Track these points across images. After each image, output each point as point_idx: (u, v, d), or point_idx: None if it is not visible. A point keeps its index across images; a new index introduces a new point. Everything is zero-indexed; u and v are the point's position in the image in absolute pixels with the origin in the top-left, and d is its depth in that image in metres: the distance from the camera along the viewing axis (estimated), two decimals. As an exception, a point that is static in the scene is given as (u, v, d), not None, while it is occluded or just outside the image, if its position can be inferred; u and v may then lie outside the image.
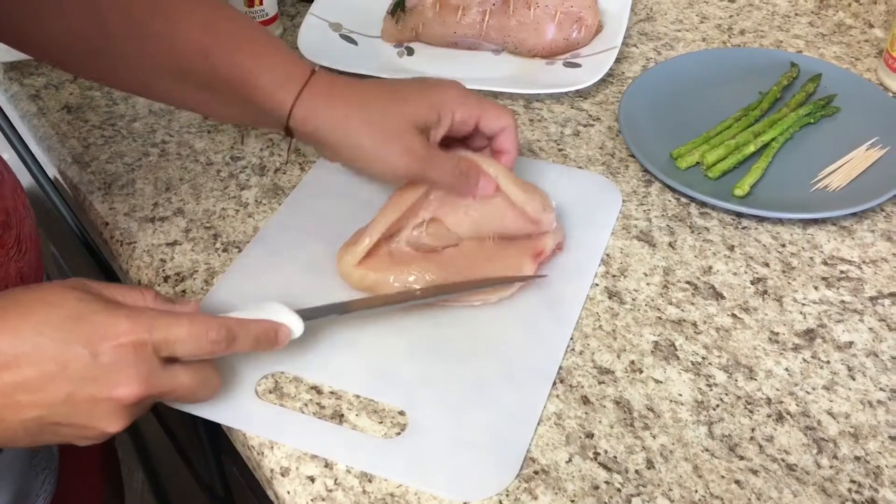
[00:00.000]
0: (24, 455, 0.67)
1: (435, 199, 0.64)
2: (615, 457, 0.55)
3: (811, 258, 0.69)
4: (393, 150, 0.60)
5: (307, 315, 0.58)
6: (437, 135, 0.63)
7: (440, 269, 0.63)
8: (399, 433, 0.56)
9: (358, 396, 0.58)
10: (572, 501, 0.53)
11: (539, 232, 0.65)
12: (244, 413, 0.57)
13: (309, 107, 0.59)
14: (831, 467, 0.55)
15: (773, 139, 0.77)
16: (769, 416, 0.57)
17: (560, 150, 0.79)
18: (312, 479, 0.54)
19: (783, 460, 0.55)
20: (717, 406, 0.58)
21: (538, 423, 0.56)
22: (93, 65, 0.63)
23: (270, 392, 0.58)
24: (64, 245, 1.04)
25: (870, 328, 0.63)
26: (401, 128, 0.60)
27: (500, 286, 0.63)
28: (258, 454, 0.56)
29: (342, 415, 0.57)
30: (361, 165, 0.62)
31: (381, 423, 0.56)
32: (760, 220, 0.72)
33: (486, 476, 0.53)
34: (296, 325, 0.57)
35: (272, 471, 0.55)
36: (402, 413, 0.57)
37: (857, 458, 0.55)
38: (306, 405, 0.58)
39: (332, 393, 0.58)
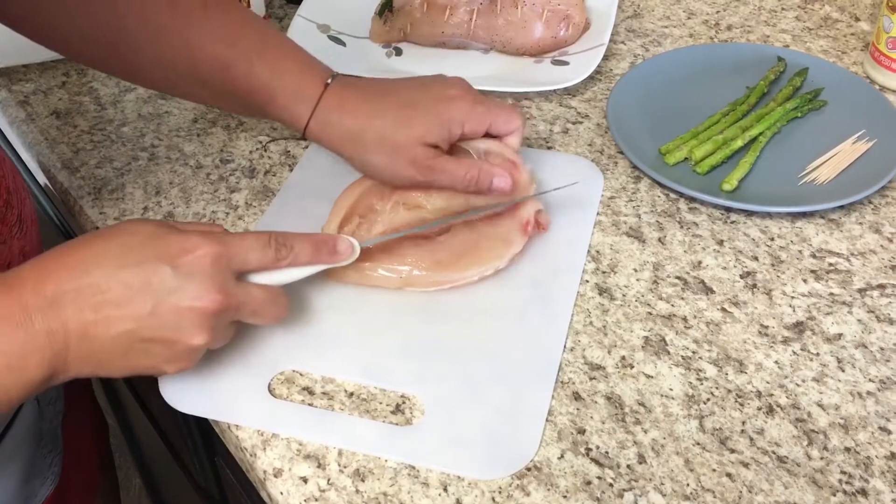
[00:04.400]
0: (32, 438, 0.70)
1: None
2: (607, 452, 0.55)
3: (800, 251, 0.69)
4: (399, 163, 0.63)
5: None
6: (446, 145, 0.65)
7: (433, 254, 0.65)
8: (408, 423, 0.56)
9: (365, 387, 0.58)
10: (565, 497, 0.53)
11: (519, 189, 0.67)
12: (248, 412, 0.58)
13: (323, 122, 0.63)
14: (822, 459, 0.55)
15: (760, 133, 0.77)
16: (760, 408, 0.58)
17: (549, 147, 0.79)
18: (305, 480, 0.54)
19: (774, 453, 0.55)
20: (708, 400, 0.58)
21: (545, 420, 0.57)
22: (114, 61, 0.66)
23: (272, 389, 0.59)
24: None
25: (859, 320, 0.63)
26: (409, 143, 0.63)
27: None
28: (251, 456, 0.56)
29: (361, 404, 0.57)
30: (371, 174, 0.66)
31: (393, 412, 0.57)
32: (749, 214, 0.72)
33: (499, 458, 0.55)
34: (353, 241, 0.61)
35: (265, 472, 0.55)
36: (407, 400, 0.57)
37: (848, 450, 0.55)
38: (303, 401, 0.58)
39: (347, 393, 0.59)
